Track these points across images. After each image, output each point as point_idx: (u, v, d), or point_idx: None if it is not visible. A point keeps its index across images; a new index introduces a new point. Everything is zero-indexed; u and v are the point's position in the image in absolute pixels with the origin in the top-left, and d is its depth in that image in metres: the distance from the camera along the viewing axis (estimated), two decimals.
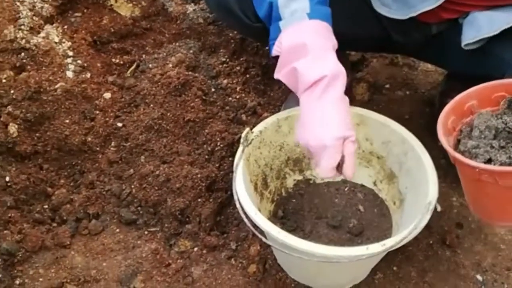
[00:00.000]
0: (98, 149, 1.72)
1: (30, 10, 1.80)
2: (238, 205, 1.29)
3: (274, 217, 1.54)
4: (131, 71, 1.94)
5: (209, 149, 1.70)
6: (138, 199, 1.62)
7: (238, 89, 1.93)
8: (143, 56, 2.00)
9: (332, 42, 1.27)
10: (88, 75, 1.81)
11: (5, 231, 1.51)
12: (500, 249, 1.59)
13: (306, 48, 1.22)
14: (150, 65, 1.92)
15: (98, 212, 1.62)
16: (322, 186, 1.63)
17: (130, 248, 1.56)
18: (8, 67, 1.70)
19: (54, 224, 1.59)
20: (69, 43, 1.82)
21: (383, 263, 1.47)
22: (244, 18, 1.51)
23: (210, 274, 1.51)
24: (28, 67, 1.72)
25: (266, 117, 1.56)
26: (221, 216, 1.64)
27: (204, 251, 1.55)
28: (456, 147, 1.16)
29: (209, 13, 2.09)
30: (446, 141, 1.13)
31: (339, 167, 1.22)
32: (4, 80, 1.66)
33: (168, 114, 1.73)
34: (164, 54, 1.96)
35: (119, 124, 1.77)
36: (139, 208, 1.62)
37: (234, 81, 1.95)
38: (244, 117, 1.85)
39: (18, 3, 1.79)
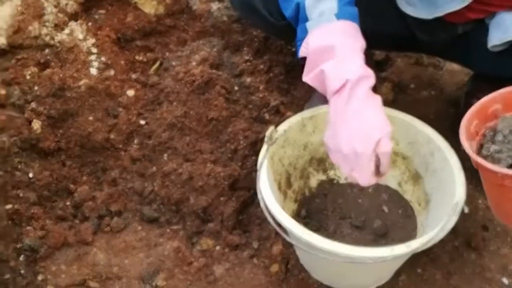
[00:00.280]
0: (121, 146, 1.72)
1: (55, 6, 1.81)
2: (262, 204, 1.28)
3: (297, 217, 1.53)
4: (155, 69, 1.94)
5: (232, 147, 1.69)
6: (160, 197, 1.61)
7: (261, 87, 1.92)
8: (167, 53, 2.00)
9: (360, 43, 1.24)
10: (112, 72, 1.81)
11: (28, 227, 1.51)
12: None
13: (334, 50, 1.19)
14: (174, 63, 1.92)
15: (120, 209, 1.62)
16: (346, 186, 1.61)
17: (152, 246, 1.55)
18: (33, 64, 1.71)
19: (77, 221, 1.59)
20: (93, 40, 1.83)
21: (407, 264, 1.45)
22: (268, 16, 1.50)
23: (232, 273, 1.50)
24: (52, 63, 1.73)
25: (289, 116, 1.54)
26: (244, 215, 1.62)
27: (226, 250, 1.54)
28: (479, 152, 1.14)
29: (233, 11, 2.08)
30: (468, 146, 1.11)
31: (377, 169, 1.19)
32: (28, 77, 1.68)
33: (191, 112, 1.72)
34: (188, 52, 1.95)
35: (142, 122, 1.77)
36: (161, 206, 1.62)
37: (258, 80, 1.94)
38: (267, 116, 1.84)
39: (43, 0, 1.80)
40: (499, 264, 1.54)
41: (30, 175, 1.59)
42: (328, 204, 1.57)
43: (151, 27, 2.00)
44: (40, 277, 1.46)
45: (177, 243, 1.55)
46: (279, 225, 1.25)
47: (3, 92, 1.64)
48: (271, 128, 1.41)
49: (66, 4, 1.83)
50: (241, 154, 1.68)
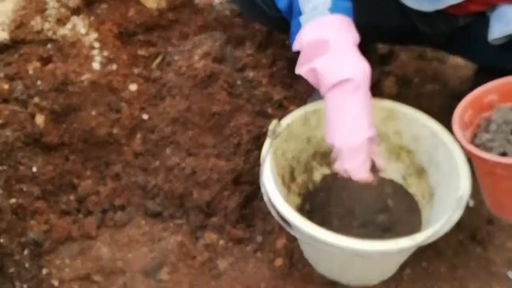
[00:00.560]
0: (123, 141, 1.72)
1: (57, 1, 1.80)
2: (265, 198, 1.28)
3: (301, 211, 1.52)
4: (157, 63, 1.94)
5: (235, 142, 1.69)
6: (163, 191, 1.61)
7: (264, 82, 1.91)
8: (169, 48, 1.99)
9: (354, 37, 1.24)
10: (114, 67, 1.80)
11: (32, 222, 1.51)
12: None
13: (329, 44, 1.20)
14: (176, 57, 1.91)
15: (124, 204, 1.62)
16: (350, 181, 1.60)
17: (156, 240, 1.55)
18: (35, 59, 1.71)
19: (80, 215, 1.59)
20: (96, 35, 1.82)
21: (412, 258, 1.44)
22: (265, 9, 1.49)
23: (236, 267, 1.50)
24: (55, 58, 1.73)
25: (292, 110, 1.54)
26: (247, 209, 1.62)
27: (230, 244, 1.54)
28: (472, 141, 1.14)
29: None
30: (461, 134, 1.11)
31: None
32: (31, 72, 1.67)
33: (194, 106, 1.72)
34: (190, 46, 1.94)
35: (145, 116, 1.76)
36: (164, 200, 1.62)
37: (260, 74, 1.93)
38: (270, 110, 1.83)
39: None
40: (504, 258, 1.53)
41: (34, 169, 1.58)
42: (332, 198, 1.56)
43: (153, 21, 1.99)
44: (44, 271, 1.46)
45: (180, 237, 1.55)
46: (283, 219, 1.24)
47: (6, 87, 1.64)
48: (274, 122, 1.40)
49: None
50: (244, 149, 1.68)
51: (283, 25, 1.39)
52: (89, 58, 1.75)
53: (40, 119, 1.61)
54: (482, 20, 1.47)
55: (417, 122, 1.48)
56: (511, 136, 1.08)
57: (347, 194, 1.57)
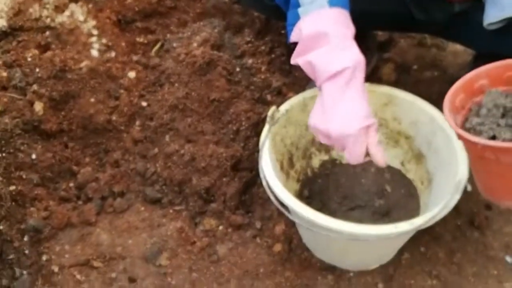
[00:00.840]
0: (122, 128, 1.72)
1: None
2: (264, 183, 1.28)
3: (299, 197, 1.53)
4: (156, 50, 1.94)
5: (234, 128, 1.69)
6: (163, 178, 1.62)
7: (263, 69, 1.91)
8: (168, 35, 1.99)
9: (351, 30, 1.25)
10: (113, 54, 1.80)
11: (31, 208, 1.52)
12: None
13: (328, 37, 1.20)
14: (175, 44, 1.91)
15: (123, 190, 1.62)
16: (348, 166, 1.60)
17: (155, 226, 1.56)
18: (33, 46, 1.71)
19: (80, 202, 1.60)
20: (94, 22, 1.82)
21: (410, 243, 1.45)
22: None
23: (235, 252, 1.51)
24: (53, 45, 1.73)
25: (291, 97, 1.54)
26: (246, 196, 1.63)
27: (229, 230, 1.55)
28: (463, 125, 1.14)
29: None
30: (451, 118, 1.11)
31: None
32: (29, 59, 1.67)
33: (193, 93, 1.72)
34: (189, 33, 1.94)
35: (144, 104, 1.76)
36: (164, 187, 1.62)
37: (259, 61, 1.93)
38: (269, 97, 1.83)
39: None
40: (502, 242, 1.54)
41: (33, 156, 1.59)
42: (331, 184, 1.57)
43: (151, 8, 1.99)
44: (44, 257, 1.47)
45: (180, 223, 1.55)
46: (282, 204, 1.25)
47: (4, 74, 1.64)
48: (273, 108, 1.40)
49: None
50: (243, 135, 1.68)
51: (279, 12, 1.39)
52: (87, 45, 1.75)
53: (39, 106, 1.62)
54: (478, 6, 1.46)
55: (416, 108, 1.48)
56: (500, 120, 1.08)
57: (346, 180, 1.58)
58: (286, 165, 1.51)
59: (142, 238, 1.53)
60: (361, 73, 1.21)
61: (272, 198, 1.26)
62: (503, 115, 1.09)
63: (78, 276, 1.45)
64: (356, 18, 1.28)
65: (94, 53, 1.76)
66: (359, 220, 1.45)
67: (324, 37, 1.21)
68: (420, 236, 1.50)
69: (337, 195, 1.54)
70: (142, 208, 1.60)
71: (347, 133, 1.18)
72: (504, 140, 1.04)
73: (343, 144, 1.21)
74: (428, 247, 1.52)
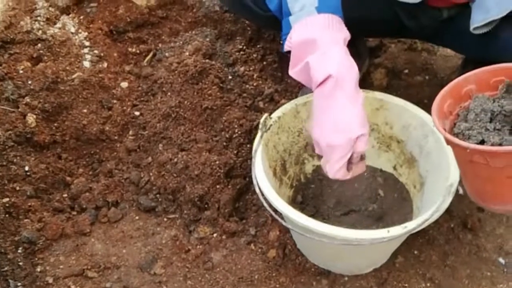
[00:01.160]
0: (116, 138, 1.73)
1: (46, 1, 1.82)
2: (257, 190, 1.29)
3: (293, 203, 1.54)
4: (148, 60, 1.95)
5: (227, 136, 1.69)
6: (156, 186, 1.62)
7: (255, 76, 1.92)
8: (160, 45, 2.00)
9: (343, 35, 1.25)
10: (105, 64, 1.81)
11: (25, 220, 1.52)
12: None
13: (316, 43, 1.21)
14: (167, 54, 1.92)
15: (117, 200, 1.63)
16: None
17: (150, 235, 1.56)
18: (25, 58, 1.72)
19: (74, 213, 1.60)
20: (86, 33, 1.83)
21: (404, 247, 1.46)
22: (255, 8, 1.50)
23: (230, 259, 1.51)
24: (45, 58, 1.74)
25: (284, 104, 1.55)
26: (240, 202, 1.63)
27: (224, 237, 1.55)
28: (452, 131, 1.15)
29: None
30: (439, 123, 1.12)
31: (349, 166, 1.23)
32: (21, 71, 1.68)
33: (186, 102, 1.72)
34: (181, 42, 1.95)
35: (137, 113, 1.77)
36: (157, 195, 1.63)
37: (251, 68, 1.94)
38: (261, 104, 1.84)
39: None
40: (495, 244, 1.55)
41: (26, 168, 1.59)
42: (324, 190, 1.58)
43: (143, 18, 2.01)
44: (39, 269, 1.47)
45: (174, 231, 1.56)
46: (275, 210, 1.25)
47: None
48: (265, 115, 1.41)
49: None
50: (236, 143, 1.68)
51: (273, 22, 1.40)
52: (79, 57, 1.76)
53: (31, 118, 1.62)
54: (465, 12, 1.48)
55: (407, 113, 1.49)
56: (489, 125, 1.09)
57: (339, 185, 1.58)
58: (279, 172, 1.52)
59: (136, 247, 1.53)
60: (347, 80, 1.19)
61: (265, 205, 1.26)
62: (491, 120, 1.09)
63: (73, 287, 1.45)
64: (347, 25, 1.29)
65: (86, 64, 1.77)
66: (353, 225, 1.47)
67: (312, 44, 1.21)
68: (414, 239, 1.51)
69: (330, 200, 1.55)
70: (137, 217, 1.60)
71: (331, 145, 1.19)
72: (492, 144, 1.04)
73: (328, 156, 1.21)
74: (421, 250, 1.52)
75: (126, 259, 1.50)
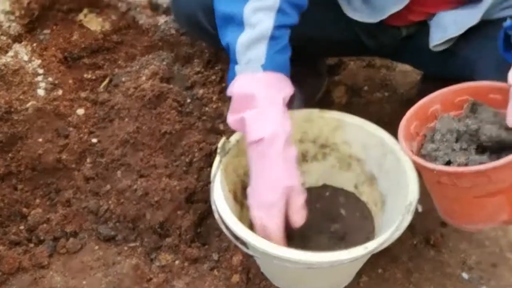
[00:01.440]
0: (73, 166, 1.69)
1: None
2: (217, 216, 1.28)
3: None
4: (104, 86, 1.92)
5: (187, 160, 1.68)
6: (116, 214, 1.59)
7: (214, 98, 1.91)
8: (116, 70, 1.98)
9: (283, 93, 1.28)
10: (60, 92, 1.78)
11: None
12: (485, 246, 1.59)
13: (255, 100, 1.24)
14: (123, 79, 1.89)
15: (76, 230, 1.59)
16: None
17: (110, 264, 1.52)
18: None
19: (31, 245, 1.56)
20: (39, 61, 1.80)
21: (368, 266, 1.45)
22: (214, 32, 1.50)
23: (192, 286, 1.48)
24: None
25: None
26: (202, 228, 1.61)
27: (186, 264, 1.53)
28: (419, 152, 1.16)
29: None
30: (405, 145, 1.13)
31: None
32: None
33: (144, 127, 1.70)
34: (137, 67, 1.93)
35: (94, 140, 1.74)
36: (117, 223, 1.59)
37: (210, 91, 1.93)
38: (221, 126, 1.83)
39: None
40: (458, 259, 1.56)
41: None
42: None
43: (98, 44, 1.98)
44: None
45: (135, 260, 1.52)
46: (236, 236, 1.24)
47: None
48: (223, 138, 1.40)
49: (9, 27, 1.79)
50: (196, 167, 1.67)
51: None
52: (33, 85, 1.73)
53: None
54: (424, 30, 1.50)
55: (365, 131, 1.49)
56: (455, 145, 1.10)
57: None
58: (240, 195, 1.50)
59: (97, 278, 1.49)
60: (279, 142, 1.23)
61: (225, 231, 1.25)
62: (457, 140, 1.11)
63: None
64: (306, 45, 1.30)
65: (41, 92, 1.73)
66: (316, 246, 1.46)
67: (251, 100, 1.24)
68: (378, 258, 1.50)
69: None
70: (96, 247, 1.57)
71: (262, 202, 1.26)
72: (459, 164, 1.05)
73: (263, 212, 1.26)
74: (385, 268, 1.52)
75: None
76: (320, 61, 1.97)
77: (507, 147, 1.07)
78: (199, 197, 1.63)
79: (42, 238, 1.56)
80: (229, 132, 1.72)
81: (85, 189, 1.66)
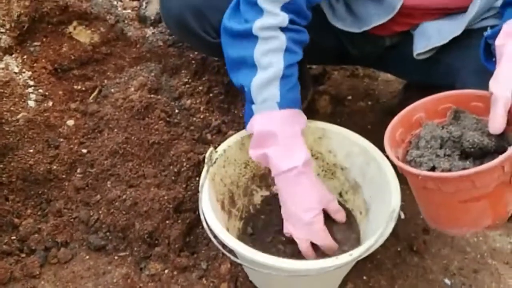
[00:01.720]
0: (64, 176, 1.72)
1: None
2: (205, 225, 1.30)
3: (243, 235, 1.55)
4: (94, 97, 1.94)
5: (175, 170, 1.70)
6: (106, 224, 1.62)
7: (201, 108, 1.94)
8: (105, 81, 2.00)
9: (300, 126, 1.39)
10: (50, 103, 1.81)
11: None
12: (467, 252, 1.63)
13: (277, 137, 1.33)
14: (112, 90, 1.92)
15: (66, 240, 1.61)
16: None
17: (101, 274, 1.55)
18: None
19: (23, 255, 1.58)
20: (30, 73, 1.82)
21: (353, 273, 1.49)
22: (203, 34, 1.53)
23: None
24: None
25: (232, 135, 1.57)
26: (190, 237, 1.64)
27: (175, 273, 1.55)
28: (405, 158, 1.18)
29: (169, 35, 2.10)
30: (392, 152, 1.16)
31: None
32: None
33: (133, 137, 1.73)
34: (126, 78, 1.96)
35: (84, 151, 1.76)
36: (107, 233, 1.62)
37: (198, 101, 1.96)
38: (209, 136, 1.86)
39: None
40: (440, 265, 1.59)
41: None
42: (274, 220, 1.59)
43: (87, 56, 2.01)
44: None
45: (125, 269, 1.55)
46: (223, 245, 1.27)
47: None
48: (210, 149, 1.44)
49: (0, 39, 1.82)
50: (184, 176, 1.69)
51: (220, 49, 1.44)
52: (24, 97, 1.75)
53: None
54: (407, 39, 1.54)
55: (348, 141, 1.53)
56: (439, 151, 1.13)
57: None
58: (227, 204, 1.53)
59: (87, 287, 1.51)
60: (310, 168, 1.36)
61: (213, 240, 1.28)
62: (441, 146, 1.14)
63: None
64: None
65: (31, 103, 1.75)
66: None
67: (273, 137, 1.33)
68: (363, 265, 1.54)
69: (280, 230, 1.56)
70: (87, 257, 1.59)
71: (303, 221, 1.35)
72: (443, 170, 1.08)
73: (308, 234, 1.36)
74: (370, 275, 1.56)
75: None
76: (304, 71, 2.00)
77: (490, 153, 1.10)
78: (187, 207, 1.65)
79: (33, 248, 1.58)
80: (217, 142, 1.77)
81: (75, 199, 1.68)
